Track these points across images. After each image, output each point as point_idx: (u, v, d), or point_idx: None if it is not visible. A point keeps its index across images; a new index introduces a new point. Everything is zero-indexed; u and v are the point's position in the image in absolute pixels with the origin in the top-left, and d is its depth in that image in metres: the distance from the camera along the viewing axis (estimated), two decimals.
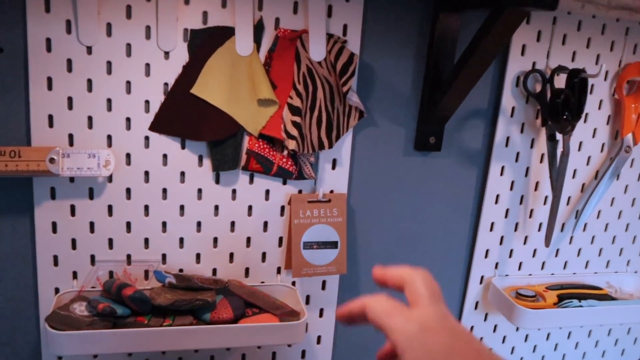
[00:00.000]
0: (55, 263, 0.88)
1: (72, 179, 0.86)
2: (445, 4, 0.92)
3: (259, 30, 0.86)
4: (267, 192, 0.93)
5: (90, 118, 0.84)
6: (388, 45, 0.94)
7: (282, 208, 0.95)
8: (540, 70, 0.99)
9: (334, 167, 0.95)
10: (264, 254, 0.96)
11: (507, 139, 1.03)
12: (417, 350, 0.45)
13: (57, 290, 0.89)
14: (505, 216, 1.07)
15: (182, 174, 0.89)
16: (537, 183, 1.07)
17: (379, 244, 1.03)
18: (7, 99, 0.82)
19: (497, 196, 1.05)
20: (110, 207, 0.88)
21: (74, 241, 0.88)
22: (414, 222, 1.04)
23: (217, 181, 0.91)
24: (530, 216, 1.09)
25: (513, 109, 1.01)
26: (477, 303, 1.11)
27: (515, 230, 1.09)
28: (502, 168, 1.04)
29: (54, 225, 0.87)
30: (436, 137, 1.00)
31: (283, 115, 0.88)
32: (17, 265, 0.89)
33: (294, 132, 0.86)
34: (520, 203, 1.07)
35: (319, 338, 1.03)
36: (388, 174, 1.00)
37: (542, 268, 1.13)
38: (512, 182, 1.06)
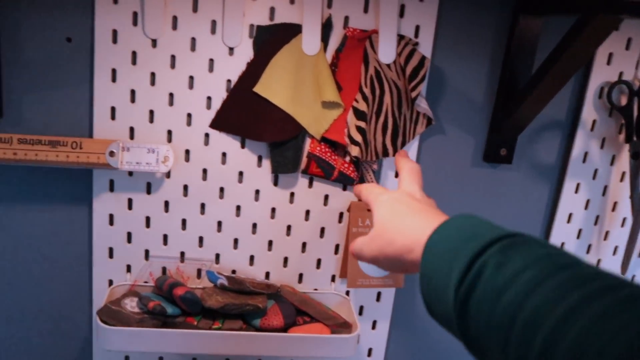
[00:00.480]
0: (110, 255, 0.88)
1: (130, 173, 0.85)
2: (527, 6, 0.86)
3: (327, 28, 0.83)
4: (326, 197, 0.90)
5: (151, 112, 0.83)
6: (462, 49, 0.89)
7: (341, 215, 0.91)
8: (627, 81, 0.92)
9: (397, 176, 0.91)
10: (319, 261, 0.93)
11: (585, 154, 0.96)
12: (385, 209, 0.62)
13: (110, 283, 0.89)
14: (578, 237, 1.00)
15: (241, 173, 0.87)
16: (615, 203, 0.99)
17: None
18: (73, 89, 0.82)
19: (570, 215, 0.98)
20: (166, 203, 0.87)
21: (129, 235, 0.87)
22: None
23: (276, 183, 0.88)
24: (605, 238, 1.01)
25: (594, 122, 0.94)
26: None
27: (588, 252, 1.01)
28: (578, 185, 0.97)
29: (111, 217, 0.86)
30: (508, 148, 0.94)
31: (347, 120, 0.84)
32: (74, 256, 0.89)
33: (357, 137, 0.83)
34: (595, 224, 1.00)
35: (370, 351, 1.00)
36: (454, 185, 0.95)
37: None
38: (588, 201, 0.98)
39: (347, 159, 0.86)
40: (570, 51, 0.75)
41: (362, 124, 0.82)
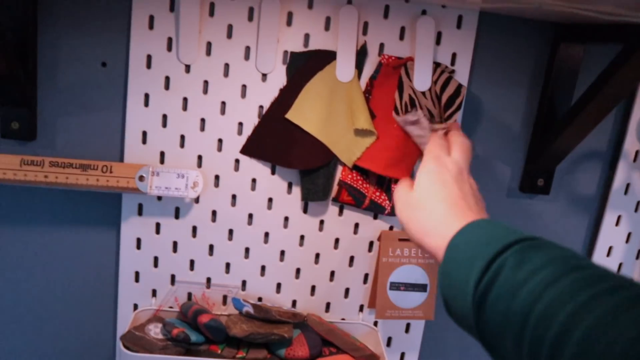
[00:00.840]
0: (137, 279, 0.87)
1: (159, 197, 0.84)
2: (568, 34, 0.84)
3: (361, 55, 0.81)
4: (357, 225, 0.88)
5: (182, 137, 0.82)
6: (499, 77, 0.87)
7: (371, 244, 0.89)
8: None
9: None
10: (347, 290, 0.91)
11: (627, 185, 0.92)
12: (428, 181, 0.63)
13: (135, 307, 0.88)
14: (618, 270, 0.96)
15: (270, 200, 0.86)
16: None
17: None
18: (106, 113, 0.82)
19: (610, 248, 0.95)
20: (194, 228, 0.86)
21: (156, 259, 0.87)
22: None
23: (305, 210, 0.87)
24: None
25: (637, 153, 0.91)
26: None
27: None
28: (619, 218, 0.93)
29: (139, 241, 0.86)
30: (545, 179, 0.91)
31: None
32: (100, 279, 0.89)
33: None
34: (637, 258, 0.96)
35: None
36: (489, 215, 0.92)
37: None
38: (629, 234, 0.94)
39: (379, 186, 0.84)
40: (612, 82, 0.72)
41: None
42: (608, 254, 0.95)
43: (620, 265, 0.95)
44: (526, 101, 0.88)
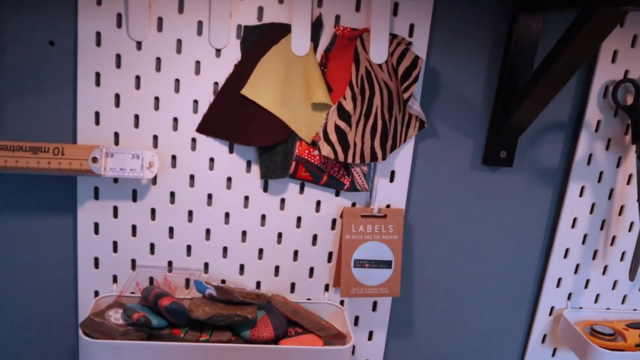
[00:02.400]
0: (96, 265, 0.85)
1: (115, 180, 0.82)
2: (527, 3, 0.83)
3: (317, 28, 0.80)
4: (318, 203, 0.87)
5: (137, 117, 0.80)
6: (458, 48, 0.86)
7: (334, 221, 0.88)
8: (633, 80, 0.88)
9: (391, 180, 0.87)
10: (311, 269, 0.90)
11: (590, 156, 0.92)
12: None
13: (96, 293, 0.86)
14: (583, 242, 0.96)
15: (229, 179, 0.84)
16: (622, 207, 0.95)
17: (436, 266, 0.94)
18: (55, 94, 0.80)
19: (575, 219, 0.94)
20: (153, 211, 0.84)
21: (115, 244, 0.85)
22: (477, 244, 0.94)
23: (265, 189, 0.85)
24: (612, 244, 0.97)
25: (598, 122, 0.90)
26: (544, 337, 1.00)
27: (594, 258, 0.97)
28: (582, 188, 0.93)
29: (96, 226, 0.84)
30: (508, 151, 0.90)
31: (328, 115, 0.81)
32: (58, 266, 0.86)
33: (332, 137, 0.79)
34: (601, 228, 0.96)
35: None
36: (451, 189, 0.91)
37: (623, 302, 1.01)
38: (593, 205, 0.94)
39: (323, 159, 0.83)
40: (571, 47, 0.72)
41: (343, 125, 0.79)
42: (573, 226, 0.95)
43: (585, 236, 0.95)
44: (486, 73, 0.87)
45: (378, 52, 0.81)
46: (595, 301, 1.00)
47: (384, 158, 0.83)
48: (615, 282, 0.99)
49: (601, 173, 0.93)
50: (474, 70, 0.87)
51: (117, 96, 0.79)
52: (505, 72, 0.86)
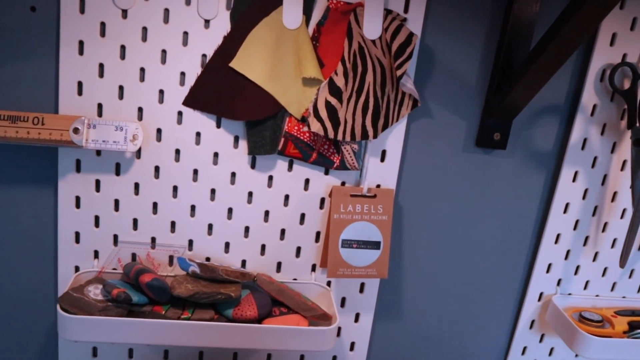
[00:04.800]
0: (77, 240, 0.83)
1: (98, 152, 0.80)
2: None
3: (309, 0, 0.77)
4: (307, 181, 0.85)
5: (121, 88, 0.78)
6: (454, 26, 0.83)
7: (322, 200, 0.86)
8: (631, 63, 0.86)
9: (382, 160, 0.85)
10: (298, 249, 0.88)
11: (584, 140, 0.90)
12: None
13: (77, 269, 0.84)
14: (574, 228, 0.95)
15: (216, 155, 0.82)
16: (614, 193, 0.94)
17: (426, 249, 0.93)
18: (37, 62, 0.77)
19: (567, 205, 0.93)
20: (137, 185, 0.82)
21: (97, 218, 0.83)
22: (468, 227, 0.93)
23: (253, 166, 0.83)
24: (603, 230, 0.96)
25: (594, 106, 0.89)
26: (532, 322, 0.99)
27: (585, 244, 0.96)
28: (576, 173, 0.92)
29: (78, 199, 0.81)
30: (502, 133, 0.89)
31: (319, 90, 0.78)
32: (38, 240, 0.84)
33: (323, 113, 0.77)
34: (593, 215, 0.94)
35: (352, 344, 0.95)
36: (443, 170, 0.89)
37: (612, 289, 1.00)
38: (586, 190, 0.93)
39: (316, 137, 0.81)
40: (569, 27, 0.70)
41: (333, 101, 0.77)
42: (565, 211, 0.93)
43: (576, 222, 0.94)
44: (482, 52, 0.85)
45: (372, 27, 0.78)
46: (585, 287, 0.99)
47: (375, 136, 0.81)
48: (605, 269, 0.98)
49: (595, 158, 0.91)
50: (469, 49, 0.85)
51: (101, 66, 0.77)
52: (502, 52, 0.84)
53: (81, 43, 0.76)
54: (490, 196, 0.92)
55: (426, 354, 0.99)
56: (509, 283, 0.98)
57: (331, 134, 0.78)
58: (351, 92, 0.79)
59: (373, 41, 0.79)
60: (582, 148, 0.90)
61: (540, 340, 1.01)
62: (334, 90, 0.78)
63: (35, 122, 0.74)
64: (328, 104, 0.77)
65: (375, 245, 0.85)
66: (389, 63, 0.79)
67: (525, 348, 1.01)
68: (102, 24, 0.75)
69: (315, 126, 0.77)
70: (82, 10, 0.75)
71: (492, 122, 0.88)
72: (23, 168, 0.81)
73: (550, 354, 1.02)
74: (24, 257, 0.85)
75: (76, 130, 0.75)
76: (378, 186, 0.86)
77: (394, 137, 0.84)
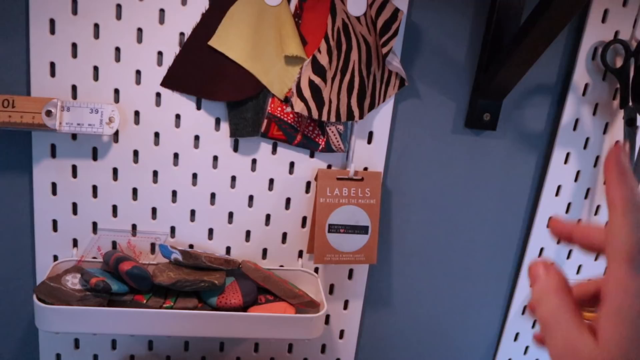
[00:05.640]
0: (55, 228, 0.80)
1: (74, 137, 0.77)
2: None
3: None
4: (292, 164, 0.82)
5: (96, 68, 0.75)
6: (441, 1, 0.81)
7: (308, 184, 0.83)
8: (624, 41, 0.84)
9: (369, 142, 0.83)
10: (284, 235, 0.85)
11: (576, 121, 0.88)
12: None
13: (55, 258, 0.81)
14: (567, 211, 0.93)
15: (197, 138, 0.79)
16: None
17: (415, 233, 0.91)
18: (6, 42, 0.74)
19: (559, 187, 0.91)
20: (115, 170, 0.79)
21: (74, 205, 0.80)
22: (458, 211, 0.91)
23: (236, 149, 0.80)
24: (596, 213, 0.94)
25: (586, 86, 0.86)
26: (524, 308, 0.97)
27: None
28: (567, 155, 0.89)
29: (54, 186, 0.78)
30: (492, 113, 0.86)
31: (302, 69, 0.75)
32: (14, 228, 0.81)
33: (306, 92, 0.75)
34: (586, 197, 0.92)
35: (341, 332, 0.92)
36: (432, 152, 0.87)
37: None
38: (578, 172, 0.91)
39: (294, 116, 0.78)
40: (558, 2, 0.67)
41: (317, 80, 0.74)
42: (557, 193, 0.91)
43: (569, 205, 0.92)
44: (471, 29, 0.83)
45: (356, 3, 0.76)
46: (578, 272, 0.97)
47: (361, 117, 0.78)
48: (598, 253, 0.96)
49: (587, 139, 0.89)
50: (458, 26, 0.82)
51: (74, 45, 0.74)
52: (491, 29, 0.81)
53: (52, 21, 0.73)
54: (480, 178, 0.90)
55: (417, 341, 0.97)
56: (501, 267, 0.95)
57: (315, 114, 0.75)
58: (335, 71, 0.76)
59: (357, 18, 0.76)
60: (574, 129, 0.88)
61: (533, 326, 0.99)
62: (318, 68, 0.75)
63: (5, 104, 0.71)
64: (311, 83, 0.75)
65: (363, 230, 0.82)
66: (375, 40, 0.76)
67: (517, 334, 0.99)
68: (74, 1, 0.72)
69: (299, 106, 0.75)
70: None
71: (481, 103, 0.85)
72: None
73: None
74: (1, 246, 0.81)
75: (49, 113, 0.72)
76: (365, 169, 0.84)
77: (381, 118, 0.82)
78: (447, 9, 0.81)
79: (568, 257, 0.95)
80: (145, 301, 0.75)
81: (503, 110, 0.87)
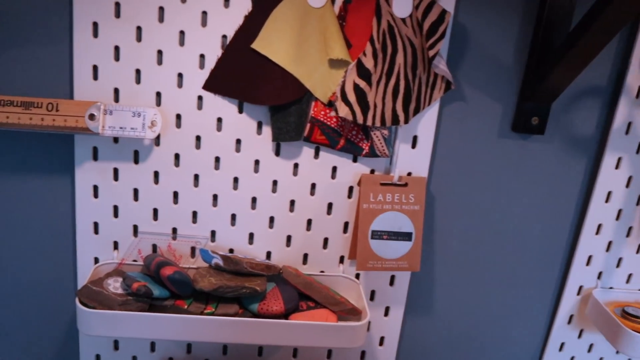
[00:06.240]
0: (96, 231, 0.80)
1: (116, 140, 0.76)
2: None
3: None
4: (334, 169, 0.81)
5: (138, 72, 0.74)
6: (489, 3, 0.78)
7: (350, 189, 0.82)
8: None
9: (413, 146, 0.81)
10: (325, 240, 0.84)
11: (629, 125, 0.84)
12: None
13: (96, 260, 0.82)
14: (617, 218, 0.89)
15: (238, 141, 0.78)
16: None
17: (460, 240, 0.88)
18: (50, 45, 0.73)
19: (609, 193, 0.88)
20: (156, 174, 0.78)
21: (116, 208, 0.79)
22: (504, 217, 0.88)
23: (277, 153, 0.79)
24: None
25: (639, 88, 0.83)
26: (571, 317, 0.94)
27: (628, 235, 0.90)
28: (619, 160, 0.86)
29: (95, 189, 0.78)
30: (540, 117, 0.83)
31: (347, 72, 0.74)
32: (56, 231, 0.81)
33: (351, 96, 0.73)
34: (638, 203, 0.89)
35: (382, 339, 0.91)
36: (478, 157, 0.84)
37: None
38: (630, 178, 0.87)
39: (340, 121, 0.76)
40: (613, 6, 0.64)
41: (362, 84, 0.72)
42: (607, 200, 0.88)
43: (619, 212, 0.89)
44: (519, 30, 0.80)
45: (402, 4, 0.74)
46: (627, 281, 0.93)
47: (406, 121, 0.76)
48: None
49: None
50: (505, 27, 0.80)
51: (117, 49, 0.73)
52: (540, 30, 0.79)
53: (95, 25, 0.72)
54: (527, 184, 0.87)
55: (458, 349, 0.95)
56: (547, 276, 0.92)
57: (360, 119, 0.74)
58: (380, 74, 0.74)
59: (403, 20, 0.74)
60: (627, 132, 0.85)
61: (579, 336, 0.96)
62: (363, 72, 0.73)
63: (50, 108, 0.71)
64: (356, 87, 0.73)
65: (406, 236, 0.81)
66: (421, 43, 0.74)
67: (562, 344, 0.96)
68: (117, 4, 0.72)
69: (343, 111, 0.73)
70: None
71: (529, 106, 0.83)
72: (39, 156, 0.78)
73: (589, 350, 0.97)
74: (43, 248, 0.82)
75: (92, 117, 0.72)
76: (409, 174, 0.82)
77: (426, 122, 0.80)
78: (494, 10, 0.78)
79: (618, 266, 0.92)
80: (186, 307, 0.74)
81: (552, 113, 0.84)
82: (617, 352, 0.98)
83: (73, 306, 0.85)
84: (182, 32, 0.73)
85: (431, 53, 0.73)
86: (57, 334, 0.87)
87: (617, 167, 0.86)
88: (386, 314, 0.89)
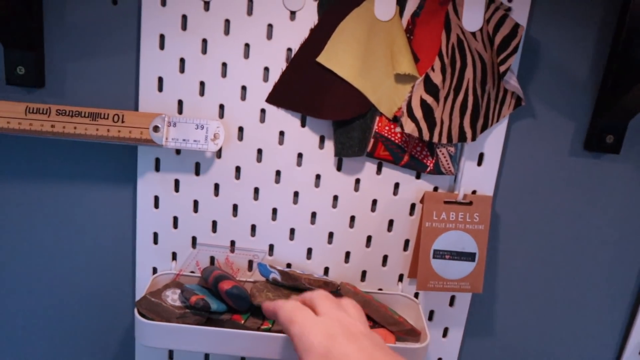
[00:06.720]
0: (155, 241, 0.80)
1: (178, 151, 0.76)
2: None
3: None
4: (396, 185, 0.78)
5: (202, 84, 0.74)
6: (563, 16, 0.75)
7: (413, 206, 0.80)
8: None
9: (479, 164, 0.78)
10: (385, 257, 0.82)
11: None
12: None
13: (155, 270, 0.82)
14: None
15: (300, 155, 0.77)
16: None
17: (525, 262, 0.85)
18: (118, 57, 0.74)
19: None
20: (216, 186, 0.78)
21: (175, 219, 0.80)
22: (572, 240, 0.84)
23: (339, 168, 0.77)
24: None
25: None
26: None
27: None
28: None
29: (156, 199, 0.79)
30: (615, 135, 0.79)
31: (414, 87, 0.72)
32: (117, 240, 0.82)
33: (418, 112, 0.70)
34: None
35: None
36: (547, 176, 0.81)
37: None
38: None
39: (406, 138, 0.74)
40: None
41: (429, 100, 0.70)
42: None
43: None
44: (596, 43, 0.76)
45: (472, 18, 0.71)
46: None
47: (473, 138, 0.73)
48: None
49: None
50: (581, 39, 0.76)
51: (182, 61, 0.73)
52: (620, 43, 0.74)
53: (162, 37, 0.73)
54: (599, 206, 0.82)
55: None
56: (617, 302, 0.88)
57: (426, 136, 0.72)
58: (449, 90, 0.71)
59: (473, 33, 0.71)
60: None
61: None
62: (430, 87, 0.71)
63: (116, 119, 0.71)
64: (423, 103, 0.71)
65: (470, 256, 0.78)
66: (491, 58, 0.71)
67: None
68: (184, 17, 0.72)
69: (409, 127, 0.71)
70: (163, 3, 0.71)
71: (604, 123, 0.78)
72: (103, 166, 0.79)
73: None
74: (104, 256, 0.83)
75: (156, 129, 0.72)
76: (474, 192, 0.79)
77: (493, 139, 0.77)
78: (569, 22, 0.75)
79: None
80: (243, 322, 0.73)
81: (629, 131, 0.79)
82: None
83: (130, 315, 0.86)
84: (247, 45, 0.73)
85: (502, 68, 0.70)
86: (113, 342, 0.87)
87: None
88: (444, 335, 0.86)
